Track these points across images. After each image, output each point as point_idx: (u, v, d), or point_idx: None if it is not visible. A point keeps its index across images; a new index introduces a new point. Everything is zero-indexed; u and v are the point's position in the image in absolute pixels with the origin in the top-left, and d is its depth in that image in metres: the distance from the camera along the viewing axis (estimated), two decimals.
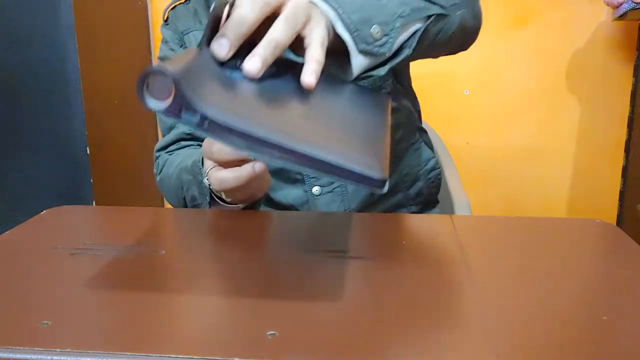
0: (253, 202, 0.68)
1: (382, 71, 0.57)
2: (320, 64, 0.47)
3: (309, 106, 0.47)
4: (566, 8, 1.56)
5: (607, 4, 1.43)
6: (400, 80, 0.86)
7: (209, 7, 0.83)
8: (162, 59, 0.87)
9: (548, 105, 1.63)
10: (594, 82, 1.60)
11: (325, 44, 0.49)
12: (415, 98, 0.93)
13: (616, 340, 0.35)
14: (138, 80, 0.38)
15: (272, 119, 0.42)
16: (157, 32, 1.69)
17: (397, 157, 0.83)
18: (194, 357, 0.33)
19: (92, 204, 1.42)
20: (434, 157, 0.88)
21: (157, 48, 1.08)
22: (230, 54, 0.45)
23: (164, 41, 0.87)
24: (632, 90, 1.55)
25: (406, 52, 0.58)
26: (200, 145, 0.84)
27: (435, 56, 0.84)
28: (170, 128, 0.86)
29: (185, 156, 0.79)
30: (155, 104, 0.38)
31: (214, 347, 0.34)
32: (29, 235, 0.56)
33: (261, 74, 0.45)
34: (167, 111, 0.38)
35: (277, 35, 0.46)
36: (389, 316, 0.38)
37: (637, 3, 1.33)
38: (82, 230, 0.60)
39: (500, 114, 1.66)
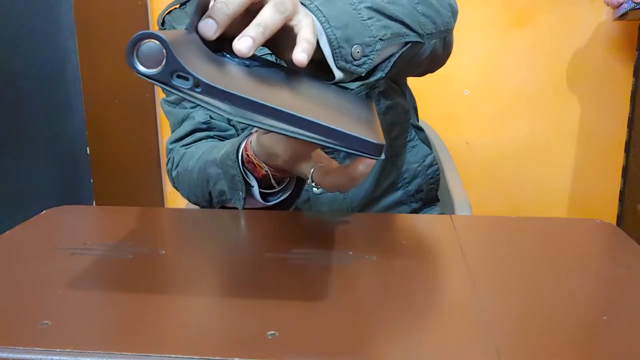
0: (291, 183, 0.66)
1: (352, 85, 0.58)
2: (312, 45, 0.48)
3: (299, 90, 0.48)
4: (566, 8, 1.56)
5: (607, 4, 1.43)
6: (395, 79, 0.86)
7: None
8: None
9: (548, 105, 1.63)
10: (594, 82, 1.60)
11: (315, 32, 0.50)
12: (412, 96, 0.94)
13: (616, 340, 0.35)
14: (128, 45, 0.37)
15: (266, 93, 0.41)
16: None
17: (394, 154, 0.83)
18: (194, 357, 0.33)
19: (92, 204, 1.42)
20: (432, 153, 0.89)
21: None
22: (217, 34, 0.45)
23: None
24: (632, 90, 1.55)
25: (379, 74, 0.60)
26: (219, 137, 0.84)
27: (402, 77, 0.86)
28: (183, 120, 0.84)
29: (207, 149, 0.76)
30: (145, 70, 0.38)
31: (214, 347, 0.34)
32: (29, 235, 0.56)
33: (251, 53, 0.44)
34: (158, 75, 0.38)
35: (266, 18, 0.46)
36: (389, 315, 0.38)
37: (637, 3, 1.33)
38: (82, 230, 0.60)
39: (500, 114, 1.66)
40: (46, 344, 0.34)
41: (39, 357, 0.33)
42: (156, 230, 0.59)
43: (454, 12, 0.73)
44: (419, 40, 0.63)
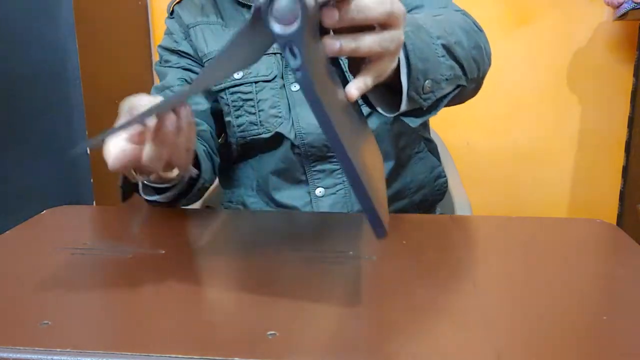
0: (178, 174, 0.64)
1: (413, 123, 0.60)
2: (367, 88, 0.49)
3: (352, 126, 0.47)
4: (566, 8, 1.56)
5: (607, 4, 1.43)
6: None
7: (216, 3, 0.84)
8: (165, 48, 0.87)
9: (548, 106, 1.63)
10: (594, 82, 1.60)
11: (382, 78, 0.50)
12: None
13: (616, 340, 0.35)
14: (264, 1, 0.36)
15: (336, 116, 0.40)
16: (157, 32, 1.68)
17: (400, 164, 0.83)
18: (194, 357, 0.33)
19: (92, 204, 1.42)
20: (440, 165, 0.88)
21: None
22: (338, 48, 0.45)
23: (169, 32, 0.87)
24: (632, 90, 1.55)
25: (433, 113, 0.61)
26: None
27: None
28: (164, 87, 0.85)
29: None
30: (277, 28, 0.36)
31: (214, 347, 0.34)
32: (29, 235, 0.56)
33: (356, 98, 0.47)
34: (286, 38, 0.36)
35: (385, 68, 0.49)
36: (389, 316, 0.38)
37: (637, 3, 1.33)
38: (82, 230, 0.60)
39: (501, 114, 1.66)
40: (46, 344, 0.34)
41: (39, 357, 0.33)
42: (156, 230, 0.59)
43: (489, 59, 0.73)
44: (464, 84, 0.64)
